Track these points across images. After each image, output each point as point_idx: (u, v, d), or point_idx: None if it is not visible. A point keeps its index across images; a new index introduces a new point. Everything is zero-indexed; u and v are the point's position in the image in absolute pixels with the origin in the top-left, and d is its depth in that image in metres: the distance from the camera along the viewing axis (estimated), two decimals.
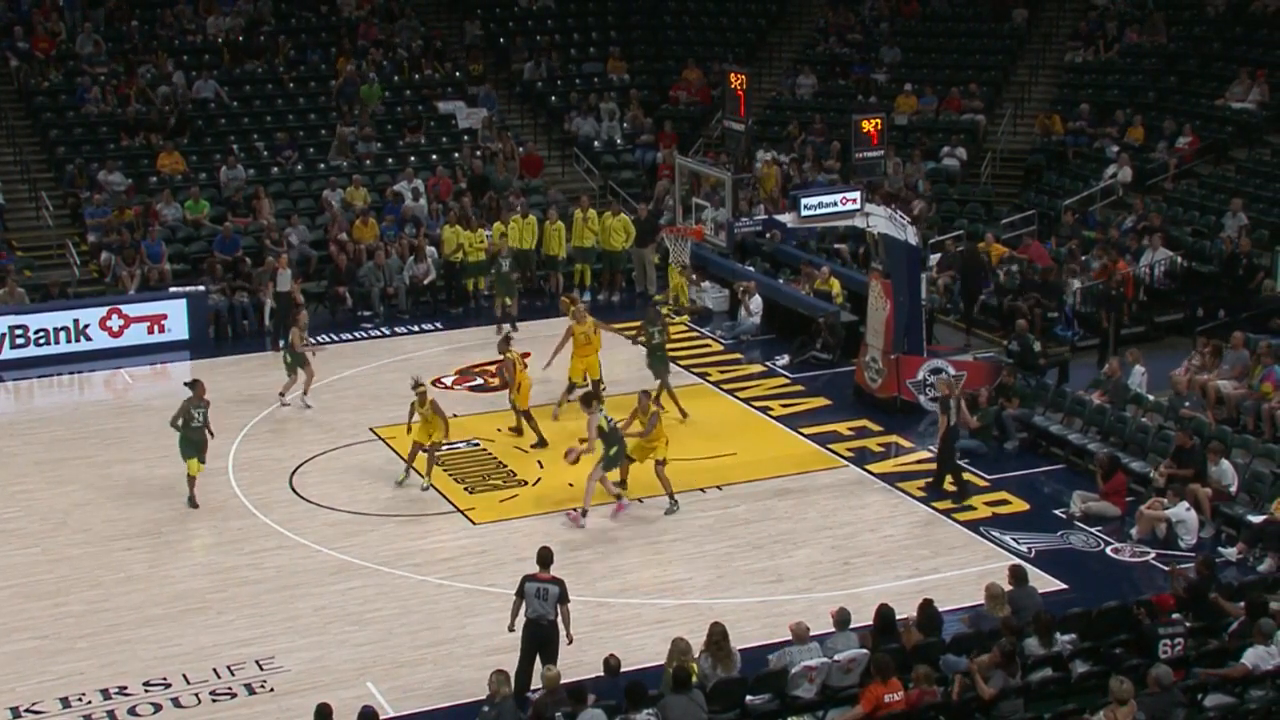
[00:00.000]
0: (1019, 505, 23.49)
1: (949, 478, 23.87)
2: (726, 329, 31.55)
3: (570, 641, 17.87)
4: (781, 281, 32.55)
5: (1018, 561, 20.52)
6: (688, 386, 28.04)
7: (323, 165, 37.29)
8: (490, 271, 32.05)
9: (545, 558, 18.18)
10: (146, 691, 18.34)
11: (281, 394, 27.48)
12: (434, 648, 19.30)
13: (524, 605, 17.79)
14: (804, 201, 27.20)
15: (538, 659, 17.61)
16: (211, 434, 23.67)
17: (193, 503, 23.36)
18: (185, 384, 24.19)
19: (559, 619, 17.77)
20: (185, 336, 30.92)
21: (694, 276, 33.02)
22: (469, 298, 33.26)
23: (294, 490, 24.13)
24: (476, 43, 42.99)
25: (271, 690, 18.37)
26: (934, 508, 23.36)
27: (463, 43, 43.13)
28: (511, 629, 17.91)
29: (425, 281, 33.22)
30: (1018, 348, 27.59)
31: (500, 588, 20.47)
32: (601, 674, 17.12)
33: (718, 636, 17.33)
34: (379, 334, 31.74)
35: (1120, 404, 25.35)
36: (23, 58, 38.47)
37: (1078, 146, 37.95)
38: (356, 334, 31.57)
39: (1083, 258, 31.38)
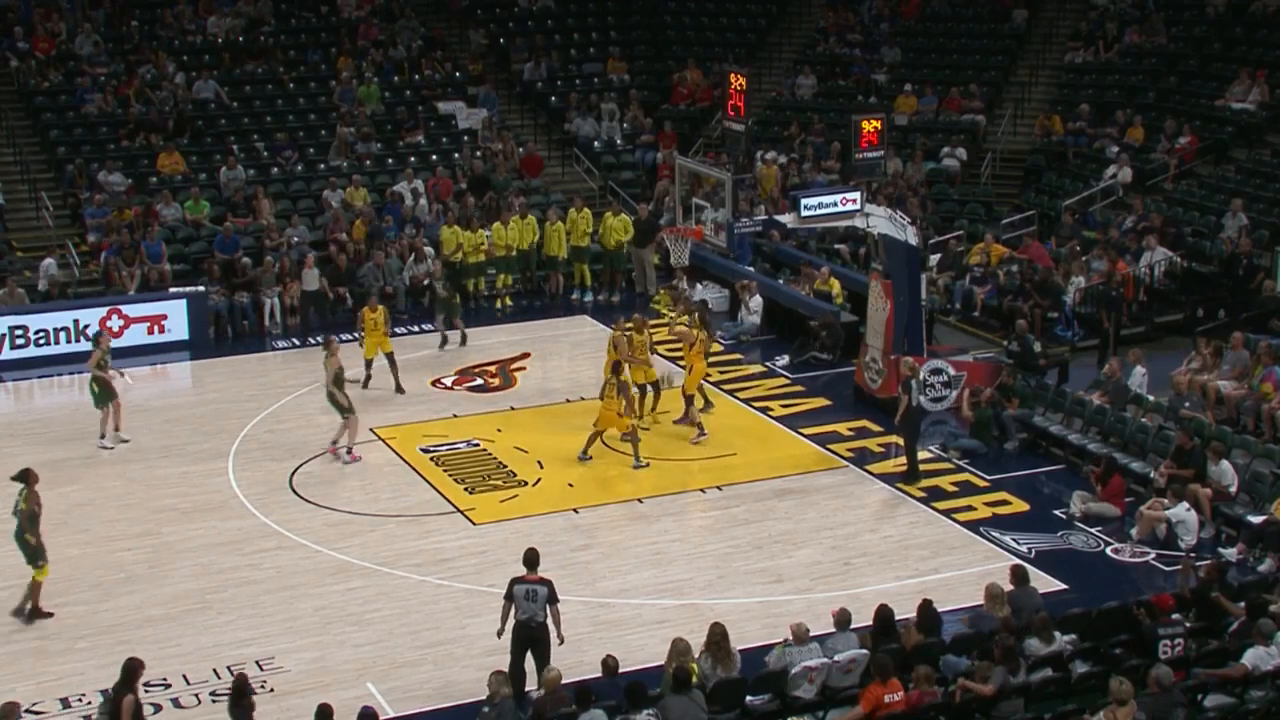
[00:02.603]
0: (1019, 505, 23.49)
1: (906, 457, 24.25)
2: (726, 329, 31.54)
3: (561, 642, 17.88)
4: (781, 282, 32.55)
5: (1019, 562, 20.49)
6: None
7: (323, 165, 37.30)
8: (426, 294, 31.60)
9: (532, 559, 18.18)
10: (146, 692, 18.12)
11: (102, 435, 25.72)
12: (434, 648, 19.31)
13: (513, 608, 17.81)
14: (804, 202, 27.23)
15: (529, 659, 17.64)
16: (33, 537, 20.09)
17: (39, 614, 20.21)
18: (13, 478, 20.48)
19: (549, 620, 17.78)
20: (185, 337, 30.96)
21: (682, 285, 33.04)
22: (468, 298, 33.23)
23: (294, 490, 24.13)
24: (482, 51, 42.98)
25: (272, 690, 18.36)
26: (934, 508, 23.38)
27: (466, 48, 43.07)
28: (501, 633, 17.92)
29: (425, 282, 33.22)
30: (1018, 348, 27.60)
31: (500, 588, 20.46)
32: (600, 674, 17.15)
33: (718, 637, 17.34)
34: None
35: (1120, 404, 25.35)
36: (22, 58, 38.50)
37: (1078, 147, 37.95)
38: (356, 334, 31.57)
39: (1084, 258, 31.38)
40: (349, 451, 25.16)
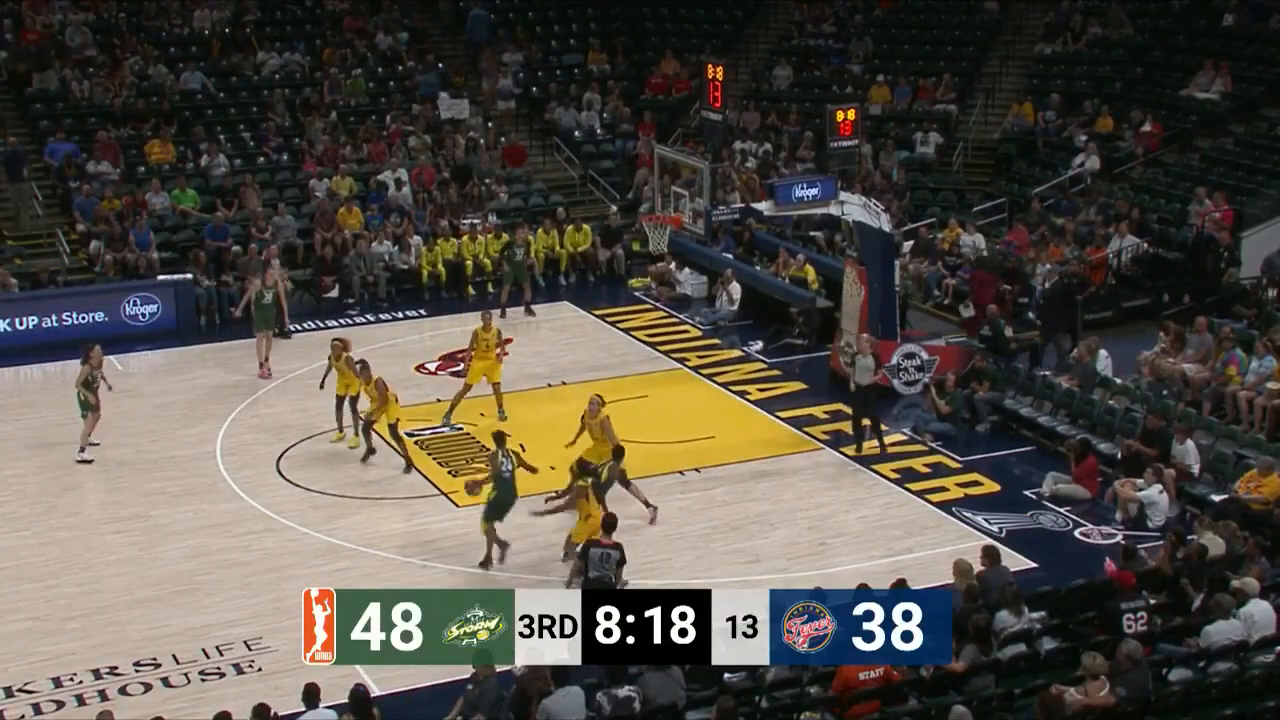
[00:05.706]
0: (990, 486, 23.82)
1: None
2: (705, 315, 31.94)
3: None
4: (758, 268, 32.95)
5: (991, 542, 20.80)
6: (667, 371, 28.51)
7: (308, 155, 37.45)
8: (252, 310, 29.34)
9: (610, 524, 19.24)
10: (137, 671, 18.60)
11: (81, 449, 24.88)
12: None
13: (587, 568, 18.68)
14: (780, 190, 27.61)
15: None
16: None
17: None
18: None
19: (616, 583, 18.59)
20: (173, 324, 31.29)
21: (672, 266, 33.46)
22: (466, 284, 33.66)
23: (281, 474, 24.43)
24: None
25: (260, 670, 18.61)
26: (908, 489, 23.71)
27: (456, 43, 43.44)
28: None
29: (404, 268, 33.63)
30: (989, 332, 28.01)
31: (482, 569, 20.88)
32: None
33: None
34: (364, 320, 32.09)
35: (1089, 388, 25.77)
36: (11, 49, 38.72)
37: (1047, 136, 38.40)
38: (341, 320, 31.90)
39: (1062, 248, 31.76)
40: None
